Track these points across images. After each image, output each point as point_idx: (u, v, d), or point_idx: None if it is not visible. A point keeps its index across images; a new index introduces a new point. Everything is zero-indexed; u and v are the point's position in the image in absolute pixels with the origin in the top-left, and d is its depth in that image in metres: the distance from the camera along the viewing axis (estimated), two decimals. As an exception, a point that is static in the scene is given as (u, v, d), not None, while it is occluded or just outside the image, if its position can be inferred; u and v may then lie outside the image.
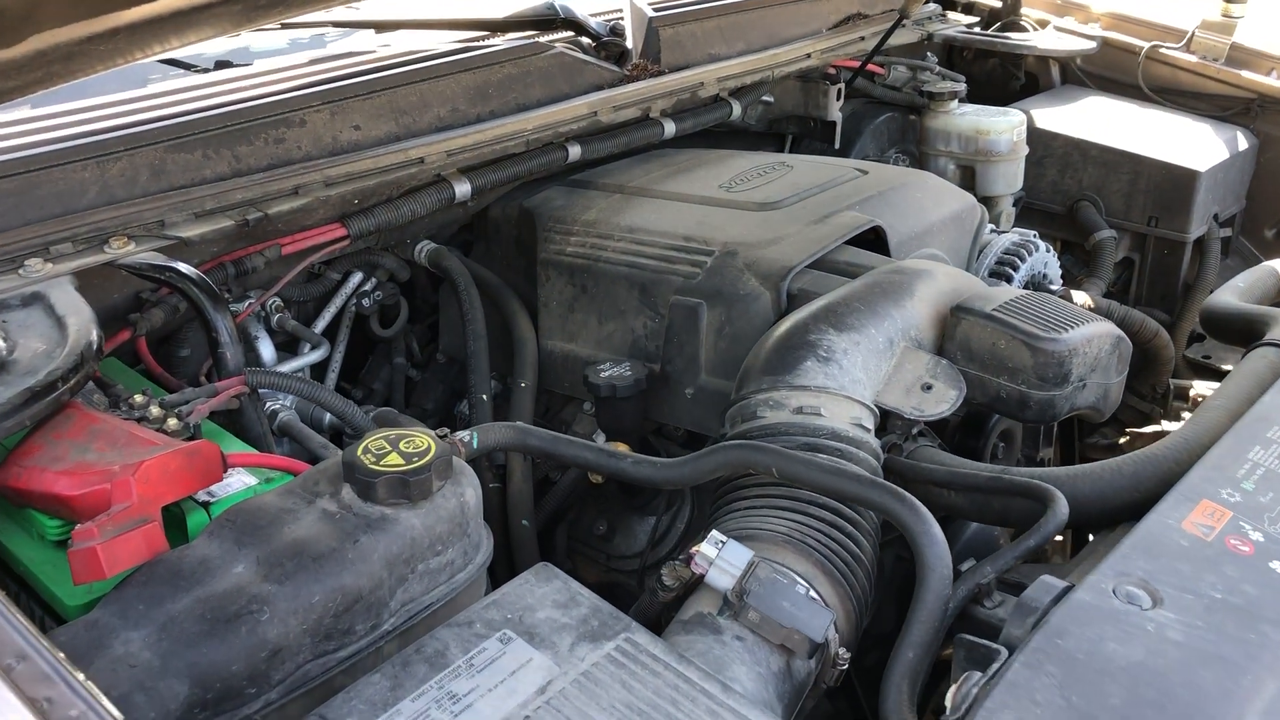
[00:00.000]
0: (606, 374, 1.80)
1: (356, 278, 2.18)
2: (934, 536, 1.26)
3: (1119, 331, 1.70)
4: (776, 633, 1.24)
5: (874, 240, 1.94)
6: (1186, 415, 2.32)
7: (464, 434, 1.47)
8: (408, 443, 1.29)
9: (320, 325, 2.14)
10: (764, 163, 2.20)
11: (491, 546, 1.37)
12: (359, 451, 1.27)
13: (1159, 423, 2.67)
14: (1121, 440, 2.65)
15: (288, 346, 2.10)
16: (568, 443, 1.47)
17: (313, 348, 2.05)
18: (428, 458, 1.27)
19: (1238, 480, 1.36)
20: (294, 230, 1.90)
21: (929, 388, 1.59)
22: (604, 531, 1.93)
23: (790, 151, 2.89)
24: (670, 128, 2.39)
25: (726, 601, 1.27)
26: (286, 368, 1.98)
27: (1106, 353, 1.67)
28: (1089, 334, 1.62)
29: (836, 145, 2.72)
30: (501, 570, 1.84)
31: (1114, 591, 1.18)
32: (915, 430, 1.64)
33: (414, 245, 2.15)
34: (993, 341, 1.62)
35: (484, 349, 2.01)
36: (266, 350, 1.98)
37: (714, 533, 1.31)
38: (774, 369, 1.56)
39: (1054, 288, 2.16)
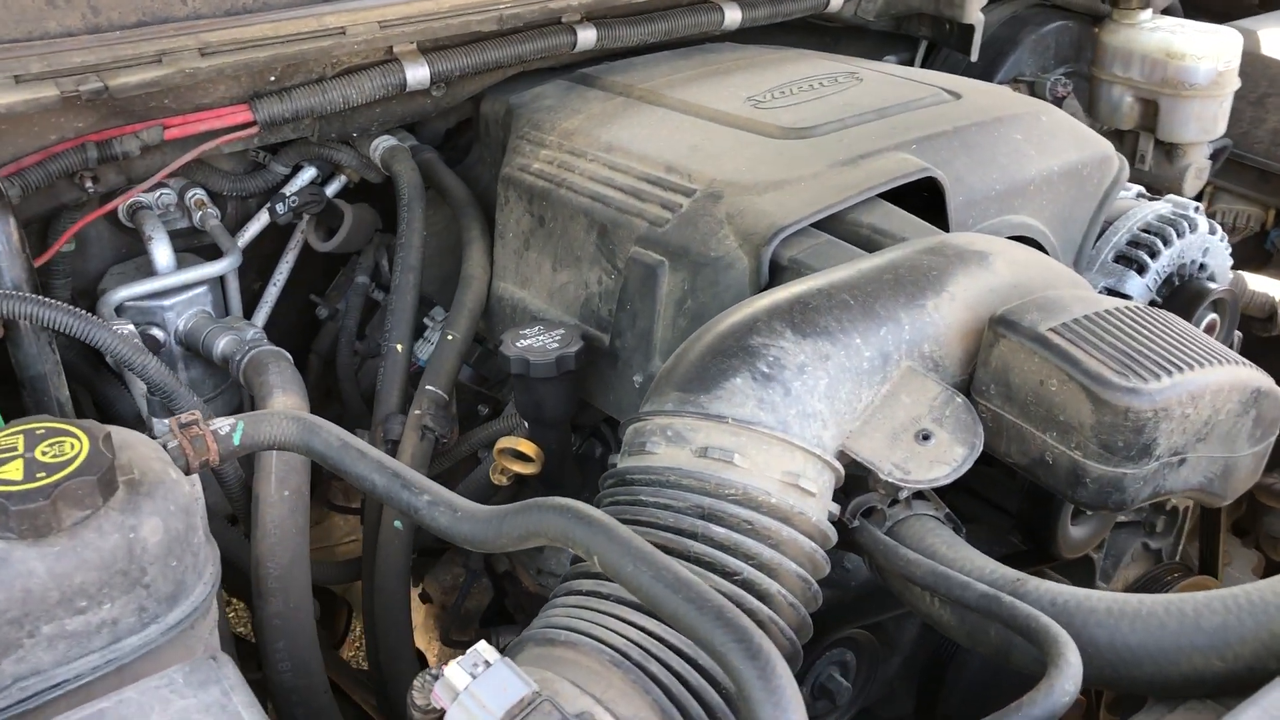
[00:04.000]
0: (524, 344, 1.33)
1: (308, 173, 1.77)
2: (786, 733, 0.75)
3: (1261, 381, 1.09)
4: (525, 832, 0.78)
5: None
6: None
7: (224, 423, 1.04)
8: (51, 445, 0.88)
9: (254, 228, 1.75)
10: (829, 72, 1.64)
11: (205, 597, 0.95)
12: (-26, 451, 0.87)
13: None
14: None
15: (215, 251, 1.73)
16: (359, 455, 1.02)
17: (225, 255, 1.66)
18: (59, 474, 0.85)
19: (1381, 696, 0.79)
20: (186, 110, 1.50)
21: (927, 437, 1.05)
22: (528, 539, 1.48)
23: (924, 62, 2.27)
24: (734, 15, 1.84)
25: (470, 762, 0.81)
26: (174, 280, 1.60)
27: (1231, 415, 1.08)
28: (1199, 385, 1.03)
29: (973, 57, 2.08)
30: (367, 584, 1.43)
31: None
32: (905, 493, 1.10)
33: (371, 140, 1.72)
34: (1040, 378, 1.05)
35: (413, 284, 1.57)
36: (162, 255, 1.61)
37: (479, 646, 0.85)
38: (690, 382, 1.06)
39: (1213, 287, 1.53)
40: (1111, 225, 1.53)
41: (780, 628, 0.96)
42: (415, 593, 1.73)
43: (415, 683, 0.88)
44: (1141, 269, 1.50)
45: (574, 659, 0.91)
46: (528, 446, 1.34)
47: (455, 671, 0.83)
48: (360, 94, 1.56)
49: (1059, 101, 2.19)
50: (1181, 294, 1.53)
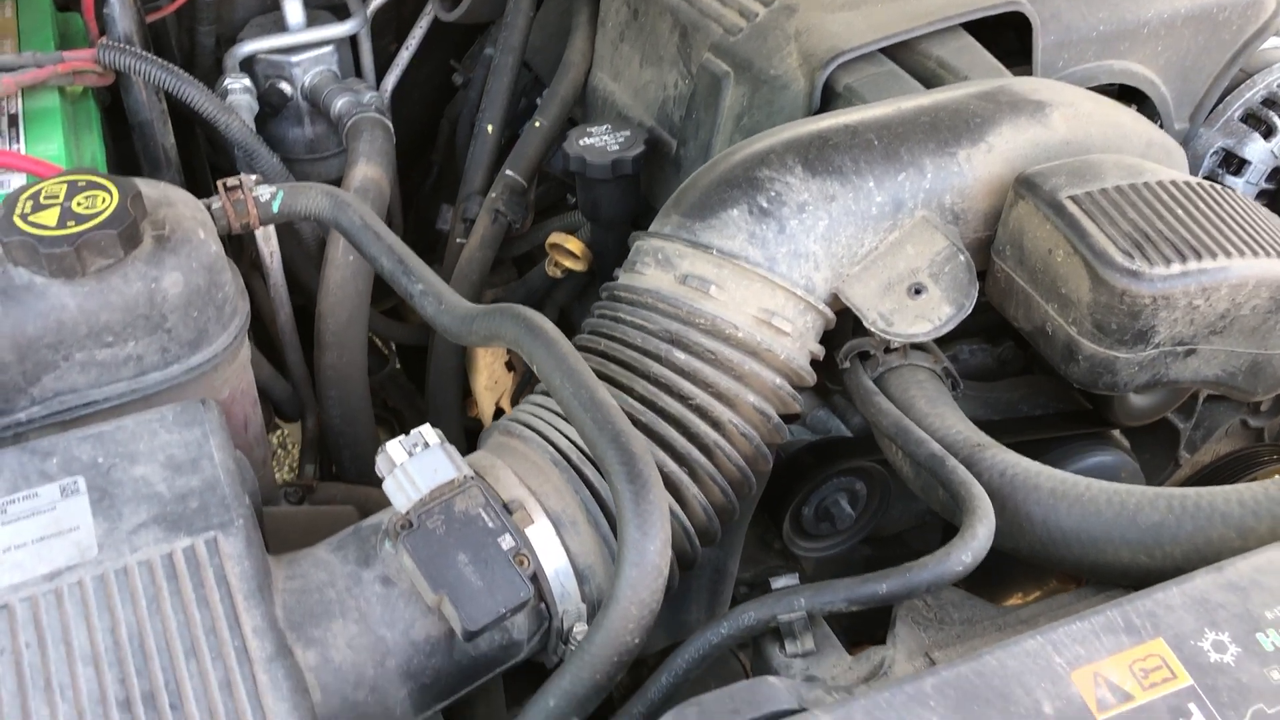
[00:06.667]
0: (586, 142, 1.36)
1: (443, -68, 1.79)
2: (644, 555, 0.80)
3: (1302, 280, 1.02)
4: (427, 594, 0.88)
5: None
6: None
7: (265, 191, 1.14)
8: (87, 197, 0.99)
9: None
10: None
11: (228, 345, 1.07)
12: (23, 195, 0.99)
13: None
14: None
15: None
16: (374, 238, 1.10)
17: (353, 16, 1.73)
18: (85, 225, 0.96)
19: (1262, 620, 0.77)
20: None
21: (919, 291, 1.04)
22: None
23: None
24: None
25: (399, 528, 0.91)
26: (301, 37, 1.69)
27: (1260, 311, 1.01)
28: (1215, 276, 0.97)
29: None
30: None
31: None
32: (896, 342, 1.09)
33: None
34: (1049, 246, 1.01)
35: (511, 65, 1.60)
36: (293, 12, 1.70)
37: (423, 428, 0.94)
38: (691, 207, 1.07)
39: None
40: (1249, 79, 1.40)
41: (726, 453, 1.00)
42: (503, 361, 1.85)
43: (380, 449, 0.98)
44: (1270, 132, 1.37)
45: (524, 452, 0.99)
46: (575, 244, 1.39)
47: (395, 448, 0.93)
48: None
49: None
50: (1314, 165, 1.39)
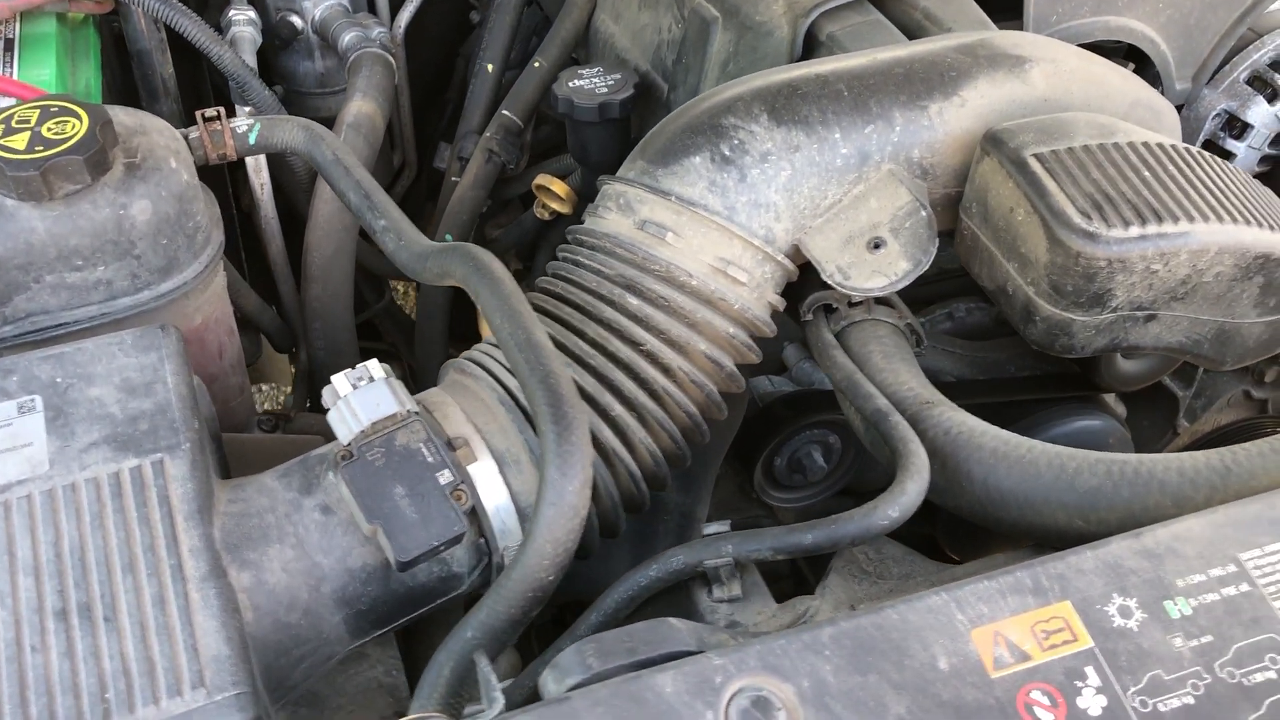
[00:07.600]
0: (575, 84, 1.36)
1: None
2: (562, 495, 0.81)
3: (1271, 249, 0.99)
4: (363, 524, 0.90)
5: None
6: None
7: (243, 122, 1.15)
8: (58, 123, 1.01)
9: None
10: None
11: (198, 274, 1.09)
12: (-2, 118, 1.02)
13: None
14: None
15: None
16: (344, 173, 1.11)
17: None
18: (51, 150, 0.98)
19: (1172, 588, 0.77)
20: None
21: (878, 245, 1.03)
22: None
23: None
24: None
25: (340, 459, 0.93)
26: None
27: (1224, 278, 0.99)
28: (1174, 241, 0.95)
29: None
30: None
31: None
32: (858, 295, 1.08)
33: None
34: (1011, 204, 1.00)
35: (515, 3, 1.59)
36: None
37: (370, 363, 0.95)
38: (657, 153, 1.07)
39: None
40: (1258, 40, 1.35)
41: (676, 400, 1.01)
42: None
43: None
44: (1275, 95, 1.33)
45: (474, 390, 1.00)
46: (560, 186, 1.39)
47: (341, 380, 0.94)
48: None
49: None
50: (1321, 131, 1.35)
